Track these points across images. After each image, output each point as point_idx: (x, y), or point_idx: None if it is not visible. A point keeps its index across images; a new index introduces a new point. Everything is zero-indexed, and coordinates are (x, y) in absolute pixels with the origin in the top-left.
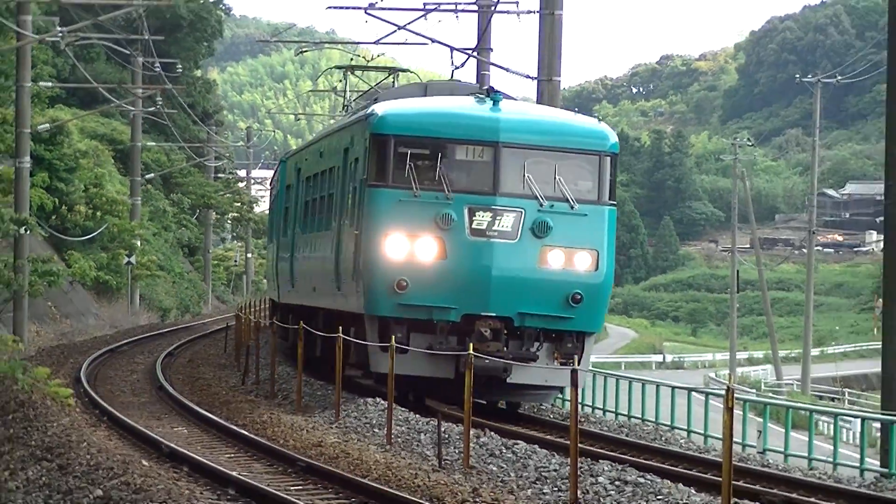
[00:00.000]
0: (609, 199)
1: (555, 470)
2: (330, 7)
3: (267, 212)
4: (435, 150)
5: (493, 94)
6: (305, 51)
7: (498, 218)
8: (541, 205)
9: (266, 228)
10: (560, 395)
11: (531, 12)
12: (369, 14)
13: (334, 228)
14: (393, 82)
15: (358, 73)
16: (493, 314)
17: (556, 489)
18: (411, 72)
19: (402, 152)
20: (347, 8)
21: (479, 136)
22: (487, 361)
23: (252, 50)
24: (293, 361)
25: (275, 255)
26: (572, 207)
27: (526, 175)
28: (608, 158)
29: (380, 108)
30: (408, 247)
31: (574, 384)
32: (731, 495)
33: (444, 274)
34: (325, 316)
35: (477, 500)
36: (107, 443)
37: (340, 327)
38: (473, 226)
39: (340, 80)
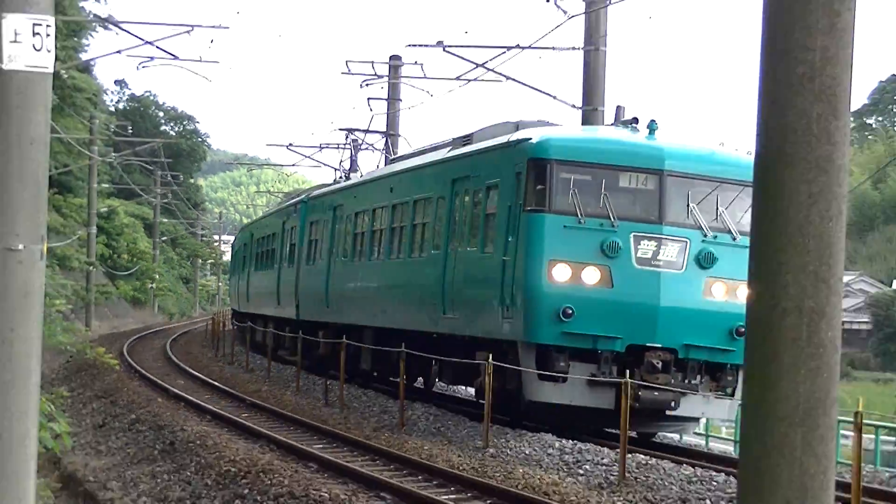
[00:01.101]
0: None
1: (391, 405)
2: (268, 144)
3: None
4: (598, 177)
5: (650, 124)
6: (252, 169)
7: (663, 247)
8: (705, 235)
9: (240, 263)
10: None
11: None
12: (290, 149)
13: (436, 256)
14: (386, 149)
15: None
16: (660, 345)
17: (392, 417)
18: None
19: (564, 178)
20: (278, 145)
21: (643, 164)
22: (657, 393)
23: (223, 168)
24: (242, 343)
25: (292, 278)
26: (735, 239)
27: (690, 204)
28: None
29: (534, 135)
30: (573, 274)
31: None
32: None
33: (610, 303)
34: (402, 336)
35: (347, 423)
36: (139, 389)
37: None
38: (639, 254)
39: (272, 186)
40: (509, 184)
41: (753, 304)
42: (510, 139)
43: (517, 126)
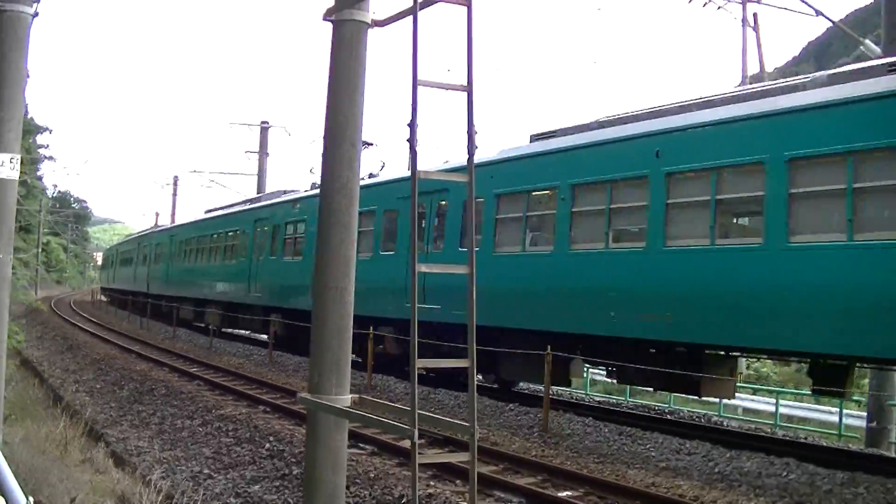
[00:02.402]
0: None
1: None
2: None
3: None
4: None
5: None
6: (111, 224)
7: None
8: None
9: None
10: None
11: None
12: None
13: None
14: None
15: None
16: None
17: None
18: None
19: None
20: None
21: None
22: None
23: (98, 223)
24: (110, 304)
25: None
26: None
27: None
28: None
29: None
30: None
31: None
32: None
33: None
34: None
35: (150, 335)
36: (57, 320)
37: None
38: None
39: (119, 233)
40: None
41: (316, 286)
42: None
43: None
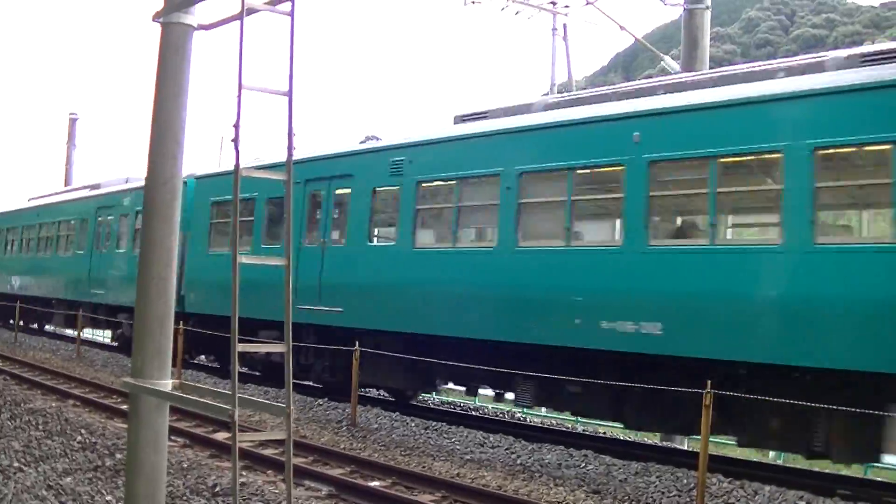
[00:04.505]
0: None
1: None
2: None
3: None
4: None
5: None
6: None
7: None
8: None
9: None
10: None
11: None
12: None
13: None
14: None
15: None
16: None
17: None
18: None
19: None
20: None
21: None
22: None
23: None
24: None
25: None
26: None
27: None
28: None
29: None
30: None
31: None
32: None
33: None
34: None
35: None
36: None
37: None
38: None
39: None
40: None
41: (140, 276)
42: None
43: None
